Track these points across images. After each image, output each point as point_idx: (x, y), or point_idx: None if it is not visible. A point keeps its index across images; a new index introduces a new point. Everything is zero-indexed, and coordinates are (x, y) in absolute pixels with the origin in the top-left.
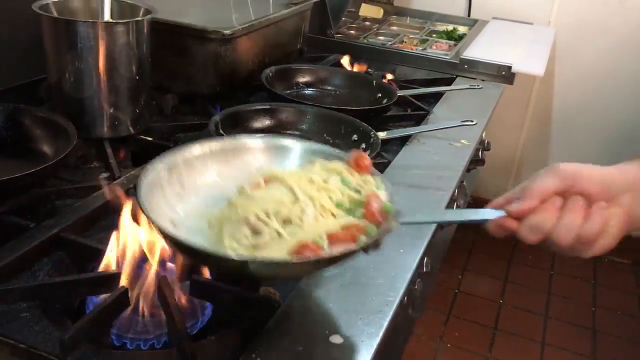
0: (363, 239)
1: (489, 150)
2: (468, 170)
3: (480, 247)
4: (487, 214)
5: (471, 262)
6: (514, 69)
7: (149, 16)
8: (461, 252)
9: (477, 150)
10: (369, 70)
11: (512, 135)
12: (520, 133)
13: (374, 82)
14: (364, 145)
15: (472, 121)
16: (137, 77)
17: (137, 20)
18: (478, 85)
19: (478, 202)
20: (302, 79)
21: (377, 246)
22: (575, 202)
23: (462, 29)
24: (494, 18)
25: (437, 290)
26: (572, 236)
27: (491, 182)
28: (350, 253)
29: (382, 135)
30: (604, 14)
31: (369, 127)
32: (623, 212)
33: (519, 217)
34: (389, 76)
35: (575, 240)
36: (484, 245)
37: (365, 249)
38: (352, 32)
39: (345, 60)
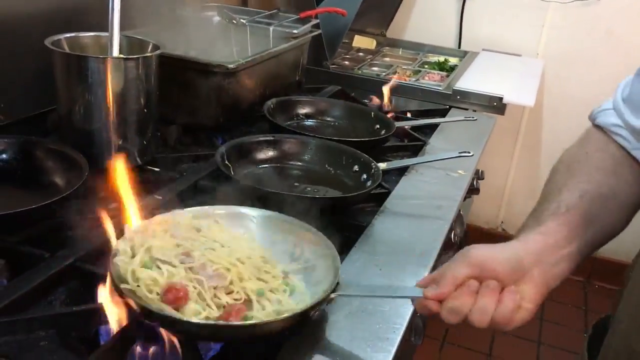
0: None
1: (483, 179)
2: (464, 199)
3: None
4: (414, 292)
5: None
6: (505, 100)
7: (157, 52)
8: None
9: (472, 179)
10: (365, 101)
11: (503, 164)
12: (511, 162)
13: (372, 113)
14: (365, 176)
15: (469, 152)
16: (145, 110)
17: (146, 56)
18: (473, 117)
19: (470, 230)
20: (302, 110)
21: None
22: (488, 287)
23: (453, 60)
24: (483, 50)
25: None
26: (487, 319)
27: (483, 210)
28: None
29: (382, 166)
30: (591, 45)
31: (370, 158)
32: (534, 286)
33: (439, 300)
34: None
35: (491, 321)
36: None
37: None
38: (346, 62)
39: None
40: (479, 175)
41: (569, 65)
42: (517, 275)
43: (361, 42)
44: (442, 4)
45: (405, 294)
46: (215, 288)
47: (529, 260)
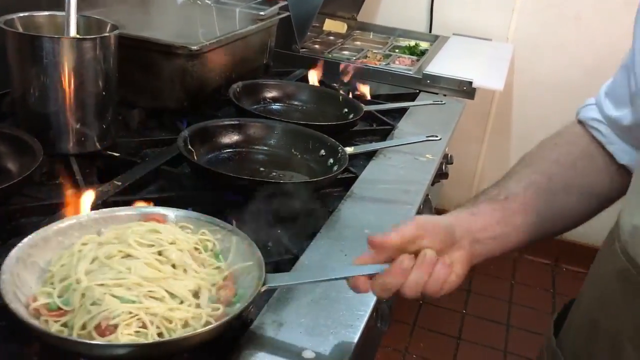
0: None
1: (452, 163)
2: (432, 183)
3: None
4: (347, 271)
5: None
6: (474, 84)
7: (116, 32)
8: None
9: (441, 164)
10: (335, 85)
11: (473, 148)
12: (481, 146)
13: (340, 97)
14: (331, 160)
15: (436, 136)
16: (104, 93)
17: (104, 36)
18: (441, 101)
19: (441, 214)
20: (270, 94)
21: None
22: (423, 259)
23: (423, 45)
24: (454, 34)
25: (402, 302)
26: (418, 291)
27: (453, 195)
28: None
29: (349, 150)
30: (560, 30)
31: (337, 143)
32: (464, 255)
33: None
34: (363, 89)
35: (423, 292)
36: None
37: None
38: (316, 46)
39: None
40: (447, 160)
41: (538, 50)
42: (451, 241)
43: (332, 25)
44: None
45: (338, 275)
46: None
47: (460, 231)
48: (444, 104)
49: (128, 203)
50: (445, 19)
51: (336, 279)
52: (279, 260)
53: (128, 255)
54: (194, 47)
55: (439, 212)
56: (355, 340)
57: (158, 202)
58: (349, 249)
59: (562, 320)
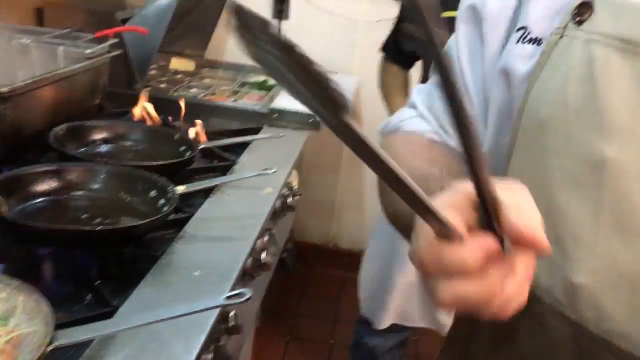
0: None
1: (299, 195)
2: (280, 217)
3: (309, 293)
4: (148, 317)
5: (302, 307)
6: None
7: None
8: (291, 299)
9: (285, 196)
10: (176, 124)
11: (329, 179)
12: (337, 176)
13: (176, 135)
14: (162, 201)
15: (271, 169)
16: None
17: None
18: (280, 134)
19: (303, 247)
20: (99, 135)
21: None
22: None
23: (272, 80)
24: None
25: (269, 341)
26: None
27: (315, 226)
28: None
29: (181, 188)
30: None
31: (167, 182)
32: None
33: None
34: (197, 127)
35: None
36: (312, 290)
37: None
38: (162, 85)
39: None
40: (293, 192)
41: None
42: None
43: (179, 64)
44: None
45: (137, 323)
46: None
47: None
48: (283, 135)
49: None
50: None
51: (134, 327)
52: (95, 315)
53: None
54: (4, 89)
55: (300, 245)
56: None
57: None
58: (176, 294)
59: None
